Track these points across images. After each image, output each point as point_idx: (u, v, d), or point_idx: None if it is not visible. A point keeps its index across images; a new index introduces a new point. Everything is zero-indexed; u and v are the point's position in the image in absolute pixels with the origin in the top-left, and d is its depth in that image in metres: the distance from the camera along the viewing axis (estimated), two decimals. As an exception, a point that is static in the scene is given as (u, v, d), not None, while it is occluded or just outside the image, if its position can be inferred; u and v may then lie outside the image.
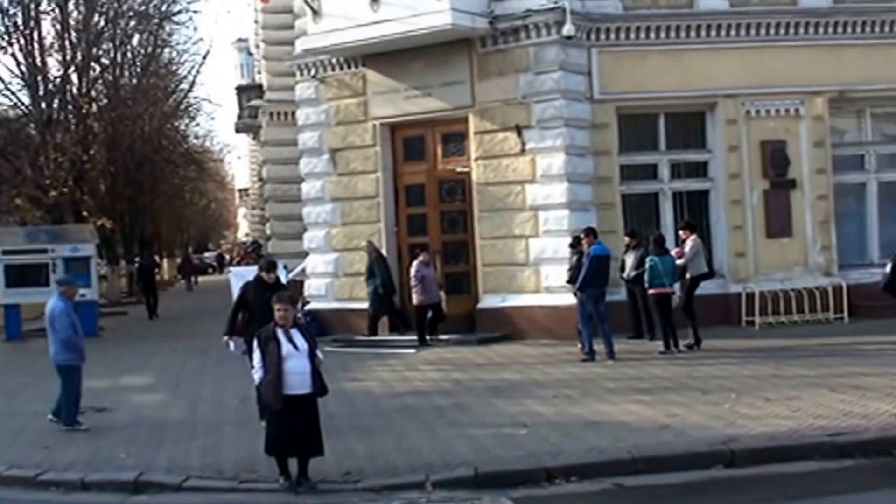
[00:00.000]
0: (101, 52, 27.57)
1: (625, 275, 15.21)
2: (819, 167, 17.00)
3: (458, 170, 17.17)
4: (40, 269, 21.37)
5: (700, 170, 17.15)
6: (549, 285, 15.91)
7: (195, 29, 47.77)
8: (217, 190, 63.93)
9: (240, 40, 45.19)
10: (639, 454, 8.13)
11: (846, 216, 17.53)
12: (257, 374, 8.00)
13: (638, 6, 16.50)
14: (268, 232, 28.69)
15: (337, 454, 8.56)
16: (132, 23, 28.56)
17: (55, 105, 24.91)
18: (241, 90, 33.72)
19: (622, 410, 9.98)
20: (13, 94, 25.82)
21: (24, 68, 24.63)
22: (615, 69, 16.31)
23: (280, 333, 7.93)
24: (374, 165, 17.63)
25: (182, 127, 40.53)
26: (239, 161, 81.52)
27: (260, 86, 30.28)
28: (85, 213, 26.95)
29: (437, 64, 16.68)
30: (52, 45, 25.67)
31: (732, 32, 16.55)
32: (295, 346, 7.89)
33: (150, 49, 30.55)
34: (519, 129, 16.07)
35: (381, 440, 9.25)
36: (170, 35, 32.00)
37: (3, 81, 25.22)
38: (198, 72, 45.05)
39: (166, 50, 32.96)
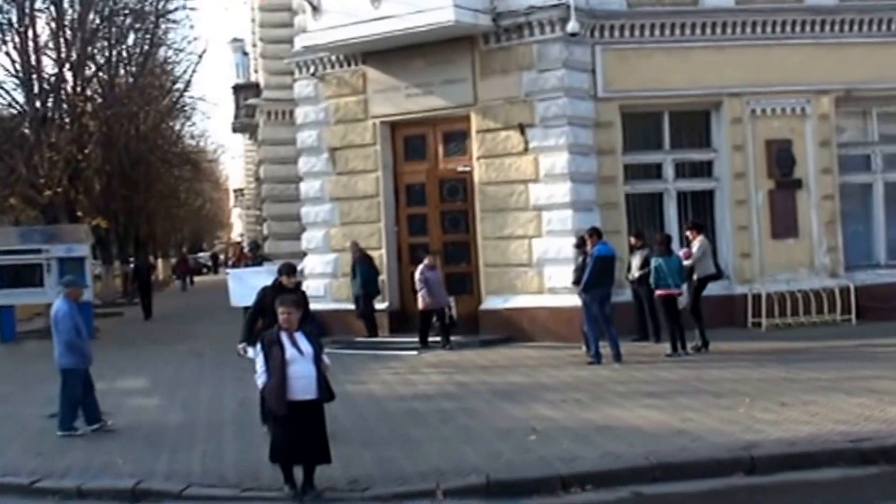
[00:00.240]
0: (96, 51, 27.27)
1: (630, 276, 15.02)
2: (825, 167, 16.80)
3: (460, 169, 16.94)
4: (34, 269, 21.13)
5: (705, 169, 16.94)
6: (552, 286, 15.69)
7: (192, 27, 47.53)
8: (212, 190, 63.69)
9: (235, 40, 44.92)
10: (657, 461, 7.86)
11: (852, 217, 17.32)
12: (260, 379, 7.74)
13: (642, 3, 16.28)
14: (265, 232, 28.41)
15: (343, 460, 8.29)
16: (128, 21, 28.26)
17: (50, 104, 24.64)
18: (237, 89, 33.43)
19: (634, 415, 9.74)
20: (7, 92, 25.61)
21: (18, 67, 24.37)
22: (619, 67, 16.09)
23: (284, 337, 7.67)
24: (374, 164, 17.39)
25: (177, 127, 40.29)
26: (233, 161, 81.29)
27: (257, 84, 30.00)
28: (79, 213, 26.70)
29: (438, 61, 16.46)
30: (46, 43, 25.42)
31: (738, 30, 16.35)
32: (299, 351, 7.63)
33: (145, 47, 30.24)
34: (522, 128, 15.85)
35: (388, 446, 9.00)
36: (165, 34, 31.73)
37: (-3, 80, 25.01)
38: (194, 71, 44.75)
39: (162, 49, 32.67)
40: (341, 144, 17.68)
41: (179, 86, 34.85)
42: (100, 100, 27.46)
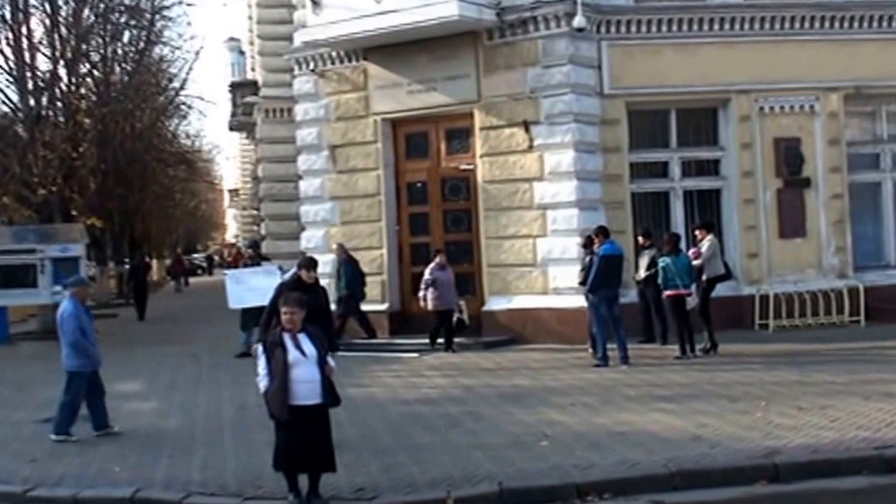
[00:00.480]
0: (91, 48, 26.92)
1: (636, 276, 14.76)
2: (833, 166, 16.57)
3: (463, 167, 16.65)
4: (28, 270, 20.81)
5: (712, 168, 16.70)
6: (556, 287, 15.43)
7: (189, 24, 47.20)
8: (206, 191, 63.36)
9: (231, 39, 44.66)
10: (676, 468, 7.57)
11: (861, 216, 17.09)
12: (262, 383, 7.39)
13: (650, -2, 16.04)
14: (262, 232, 28.11)
15: (348, 467, 7.98)
16: (123, 18, 27.90)
17: (44, 101, 24.28)
18: (235, 87, 33.11)
19: (647, 420, 9.44)
20: (0, 90, 25.22)
21: (11, 64, 24.00)
22: (626, 63, 15.84)
23: (287, 339, 7.33)
24: (375, 162, 17.10)
25: (173, 126, 39.93)
26: (228, 161, 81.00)
27: (255, 82, 29.69)
28: (74, 213, 26.32)
29: (441, 57, 16.18)
30: (40, 40, 25.06)
31: (746, 26, 16.11)
32: (303, 353, 7.28)
33: (141, 45, 29.89)
34: (526, 125, 15.57)
35: (394, 452, 8.67)
36: (160, 32, 31.37)
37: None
38: (190, 69, 44.35)
39: (158, 46, 32.31)
40: (342, 142, 17.39)
41: (175, 84, 34.51)
42: (95, 97, 27.09)
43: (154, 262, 50.77)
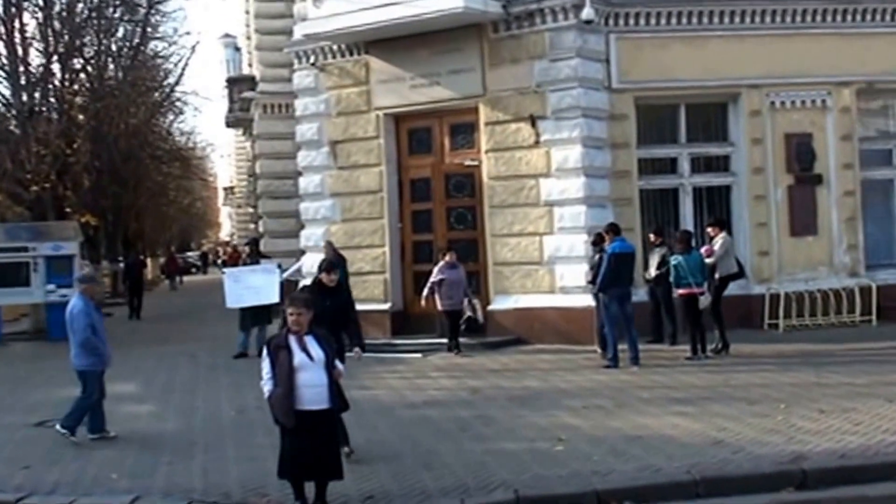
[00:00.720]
0: (84, 43, 26.53)
1: (647, 275, 14.44)
2: (846, 162, 16.25)
3: (467, 163, 16.29)
4: (20, 268, 20.43)
5: (722, 164, 16.35)
6: (564, 285, 15.08)
7: (185, 18, 46.76)
8: (201, 188, 62.96)
9: (227, 36, 44.19)
10: (699, 475, 7.25)
11: (874, 214, 16.75)
12: (266, 387, 7.04)
13: (659, -10, 15.68)
14: (260, 230, 27.71)
15: (356, 473, 7.67)
16: (118, 12, 27.52)
17: (37, 96, 23.90)
18: (231, 82, 32.64)
19: (665, 423, 9.11)
20: (-7, 86, 24.79)
21: (4, 58, 23.64)
22: (634, 57, 15.48)
23: (293, 341, 7.00)
24: (377, 158, 16.73)
25: (167, 123, 39.53)
26: (222, 159, 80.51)
27: (252, 78, 29.27)
28: (68, 210, 25.95)
29: (445, 50, 15.82)
30: (33, 34, 24.69)
31: (757, 20, 15.76)
32: (309, 356, 6.95)
33: (136, 40, 29.50)
34: (533, 120, 15.21)
35: (404, 458, 8.33)
36: (155, 27, 30.97)
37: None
38: (186, 64, 43.95)
39: (153, 42, 31.89)
40: (343, 137, 17.02)
41: (170, 80, 34.11)
42: (89, 93, 26.71)
43: (148, 261, 50.34)
